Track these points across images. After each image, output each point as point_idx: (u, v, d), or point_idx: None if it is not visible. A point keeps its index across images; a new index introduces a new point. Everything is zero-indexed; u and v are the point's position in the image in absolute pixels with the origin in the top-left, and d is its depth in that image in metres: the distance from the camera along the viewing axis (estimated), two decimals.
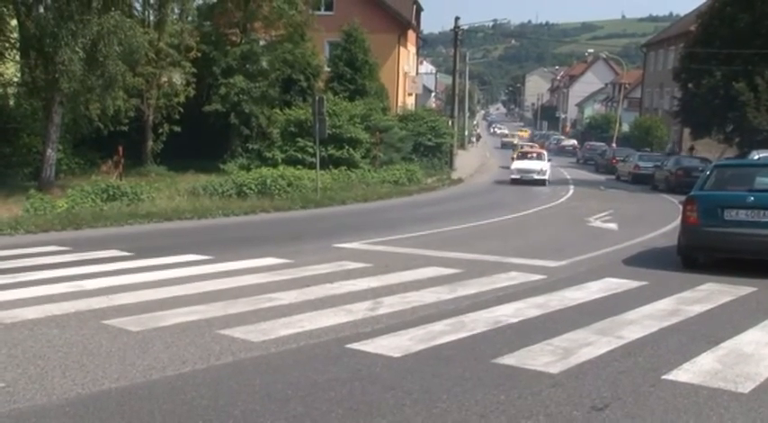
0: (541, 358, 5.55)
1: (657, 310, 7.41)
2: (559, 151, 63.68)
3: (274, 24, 28.02)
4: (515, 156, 33.83)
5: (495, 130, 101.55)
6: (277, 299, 7.51)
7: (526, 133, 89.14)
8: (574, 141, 66.17)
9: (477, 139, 76.54)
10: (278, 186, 18.91)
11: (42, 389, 4.74)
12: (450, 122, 37.47)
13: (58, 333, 6.07)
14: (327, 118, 21.08)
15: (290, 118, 24.85)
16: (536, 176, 29.34)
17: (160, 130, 26.01)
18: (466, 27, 42.57)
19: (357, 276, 8.90)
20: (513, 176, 29.76)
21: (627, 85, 61.65)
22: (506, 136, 79.46)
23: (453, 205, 20.43)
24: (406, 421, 4.34)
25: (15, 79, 21.93)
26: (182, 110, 25.72)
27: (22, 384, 4.80)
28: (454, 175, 31.06)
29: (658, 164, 30.58)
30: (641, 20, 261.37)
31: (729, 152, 30.07)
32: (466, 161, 40.40)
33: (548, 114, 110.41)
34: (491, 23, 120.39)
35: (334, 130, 23.15)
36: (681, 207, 11.25)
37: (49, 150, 18.74)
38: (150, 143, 26.22)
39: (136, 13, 23.47)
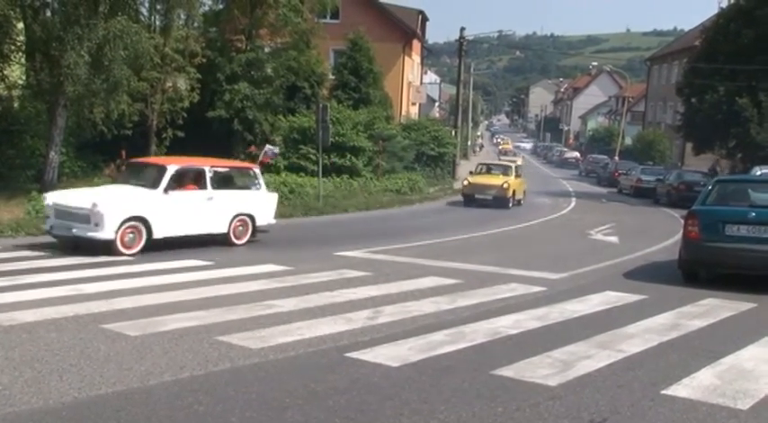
0: (540, 370, 5.53)
1: (658, 324, 7.40)
2: (562, 163, 63.80)
3: (280, 32, 28.07)
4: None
5: (498, 140, 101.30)
6: (276, 306, 7.50)
7: (508, 145, 74.33)
8: (576, 154, 66.24)
9: (480, 149, 76.81)
10: (280, 193, 18.89)
11: (39, 392, 4.72)
12: (453, 132, 37.50)
13: (56, 337, 6.07)
14: (331, 126, 21.10)
15: (294, 125, 24.89)
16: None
17: (164, 135, 25.99)
18: (471, 38, 42.67)
19: (357, 285, 8.90)
20: None
21: (630, 99, 61.74)
22: (507, 152, 58.18)
23: (455, 215, 20.42)
24: None
25: (20, 82, 21.95)
26: (185, 115, 25.71)
27: (18, 388, 4.79)
28: (456, 185, 31.03)
29: (660, 178, 30.58)
30: (646, 34, 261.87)
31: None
32: (468, 171, 40.36)
33: (551, 126, 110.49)
34: (496, 34, 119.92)
35: (337, 138, 23.16)
36: (682, 221, 11.24)
37: (53, 153, 18.74)
38: (153, 148, 26.18)
39: (142, 19, 23.47)
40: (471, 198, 22.96)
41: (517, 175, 23.90)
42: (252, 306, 7.44)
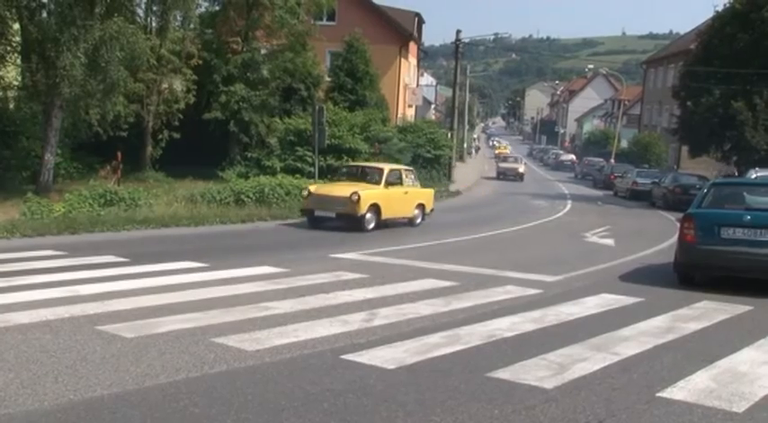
0: (536, 373, 5.54)
1: (653, 326, 7.41)
2: (558, 166, 63.92)
3: (276, 33, 28.12)
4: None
5: (494, 142, 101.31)
6: (272, 308, 7.49)
7: (507, 149, 72.99)
8: (572, 156, 66.36)
9: (477, 151, 77.05)
10: (276, 195, 18.87)
11: (34, 394, 4.71)
12: (449, 135, 37.56)
13: (51, 338, 6.05)
14: (327, 128, 21.10)
15: (290, 127, 24.90)
16: None
17: (159, 137, 26.04)
18: (467, 40, 42.74)
19: (353, 287, 8.89)
20: None
21: (626, 102, 61.90)
22: (507, 158, 48.93)
23: (451, 217, 20.41)
24: None
25: (16, 83, 21.95)
26: (181, 116, 25.76)
27: (13, 389, 4.77)
28: (452, 188, 31.10)
29: (656, 180, 30.66)
30: (641, 37, 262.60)
31: (727, 170, 30.12)
32: (464, 174, 40.48)
33: (547, 129, 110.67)
34: (492, 37, 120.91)
35: (333, 140, 23.18)
36: (678, 224, 11.27)
37: (48, 154, 18.74)
38: (149, 149, 26.24)
39: (138, 20, 23.52)
40: (312, 215, 15.71)
41: (390, 183, 16.36)
42: (248, 308, 7.43)
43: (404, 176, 17.23)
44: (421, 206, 17.42)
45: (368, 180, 16.82)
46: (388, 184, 16.40)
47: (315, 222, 15.70)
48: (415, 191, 17.46)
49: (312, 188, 16.32)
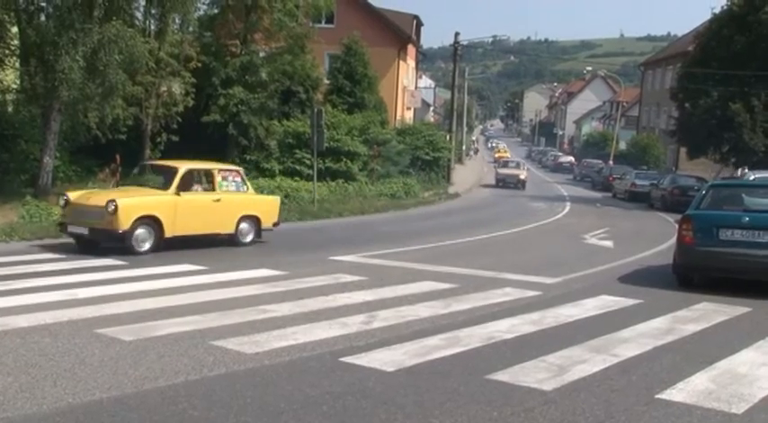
0: (535, 375, 5.54)
1: (652, 328, 7.41)
2: (557, 168, 63.98)
3: (275, 36, 28.08)
4: None
5: (492, 145, 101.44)
6: (271, 311, 7.49)
7: (507, 153, 71.46)
8: (571, 158, 66.44)
9: (475, 153, 77.18)
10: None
11: (33, 398, 4.70)
12: (448, 137, 37.58)
13: (50, 342, 6.04)
14: (326, 130, 21.11)
15: (289, 130, 24.93)
16: None
17: (158, 140, 25.96)
18: (465, 42, 42.83)
19: (352, 289, 8.89)
20: None
21: (624, 104, 62.00)
22: (508, 164, 43.94)
23: (450, 220, 20.44)
24: None
25: (14, 86, 21.92)
26: (180, 119, 25.70)
27: (12, 393, 4.77)
28: (451, 190, 31.11)
29: (654, 182, 30.70)
30: (639, 39, 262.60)
31: (725, 172, 30.15)
32: (463, 176, 40.49)
33: (545, 131, 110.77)
34: (490, 39, 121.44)
35: (332, 142, 23.19)
36: (676, 226, 11.28)
37: (47, 157, 18.72)
38: (148, 152, 26.19)
39: (137, 23, 23.47)
40: (66, 231, 11.78)
41: (187, 188, 12.27)
42: (247, 311, 7.43)
43: (218, 179, 12.82)
44: (251, 219, 13.03)
45: (159, 184, 12.57)
46: (183, 189, 12.14)
47: (82, 242, 11.55)
48: (239, 199, 13.03)
49: (72, 196, 11.96)
